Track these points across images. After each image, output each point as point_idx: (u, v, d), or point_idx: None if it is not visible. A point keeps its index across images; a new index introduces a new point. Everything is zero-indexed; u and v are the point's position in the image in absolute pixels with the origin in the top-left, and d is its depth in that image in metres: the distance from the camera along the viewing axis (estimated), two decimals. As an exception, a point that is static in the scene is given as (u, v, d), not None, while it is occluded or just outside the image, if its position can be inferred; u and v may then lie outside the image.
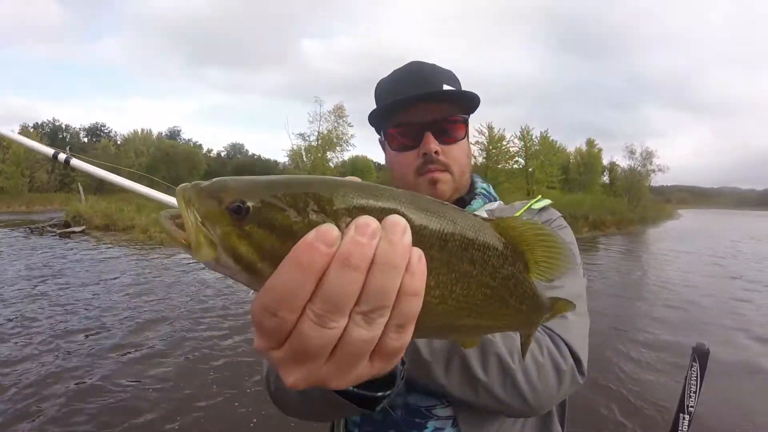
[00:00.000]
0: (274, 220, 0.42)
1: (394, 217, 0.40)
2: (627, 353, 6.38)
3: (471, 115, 1.23)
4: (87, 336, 6.62)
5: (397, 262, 0.39)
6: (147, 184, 2.28)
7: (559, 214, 1.22)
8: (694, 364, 2.09)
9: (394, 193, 0.45)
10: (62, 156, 2.23)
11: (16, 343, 6.27)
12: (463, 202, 1.22)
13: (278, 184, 0.44)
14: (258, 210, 0.42)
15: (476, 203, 1.22)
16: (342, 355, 0.42)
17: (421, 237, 0.44)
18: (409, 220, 0.42)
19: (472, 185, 1.29)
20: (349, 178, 0.48)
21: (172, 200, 2.01)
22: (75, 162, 2.22)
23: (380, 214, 0.42)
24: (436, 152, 1.12)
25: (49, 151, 2.28)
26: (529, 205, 1.20)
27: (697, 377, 2.07)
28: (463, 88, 1.21)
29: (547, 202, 1.23)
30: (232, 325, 7.28)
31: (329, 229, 0.38)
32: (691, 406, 2.09)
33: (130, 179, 2.26)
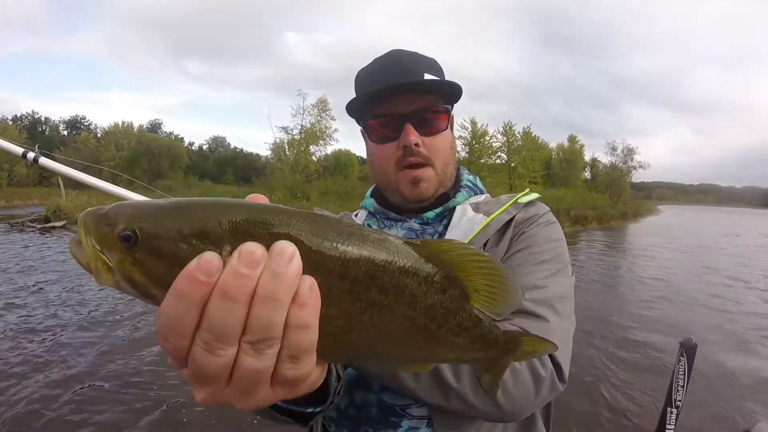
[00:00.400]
0: (161, 248, 0.41)
1: (281, 244, 0.38)
2: (611, 348, 6.41)
3: (455, 107, 1.18)
4: (66, 330, 6.45)
5: (280, 294, 0.37)
6: (126, 181, 2.19)
7: (548, 209, 1.15)
8: (681, 358, 2.08)
9: (292, 215, 0.42)
10: (31, 155, 2.11)
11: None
12: (447, 195, 1.17)
13: (166, 209, 0.43)
14: (145, 237, 0.41)
15: (460, 196, 1.17)
16: (238, 382, 0.41)
17: (317, 264, 0.41)
18: (302, 246, 0.40)
19: (458, 177, 1.23)
20: (251, 196, 0.46)
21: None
22: (44, 161, 2.10)
23: (270, 240, 0.39)
24: (416, 144, 1.07)
25: (18, 150, 2.17)
26: (516, 198, 1.14)
27: (684, 371, 2.07)
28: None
29: (534, 195, 1.16)
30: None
31: (209, 259, 0.37)
32: (679, 400, 2.09)
33: (110, 176, 2.15)
